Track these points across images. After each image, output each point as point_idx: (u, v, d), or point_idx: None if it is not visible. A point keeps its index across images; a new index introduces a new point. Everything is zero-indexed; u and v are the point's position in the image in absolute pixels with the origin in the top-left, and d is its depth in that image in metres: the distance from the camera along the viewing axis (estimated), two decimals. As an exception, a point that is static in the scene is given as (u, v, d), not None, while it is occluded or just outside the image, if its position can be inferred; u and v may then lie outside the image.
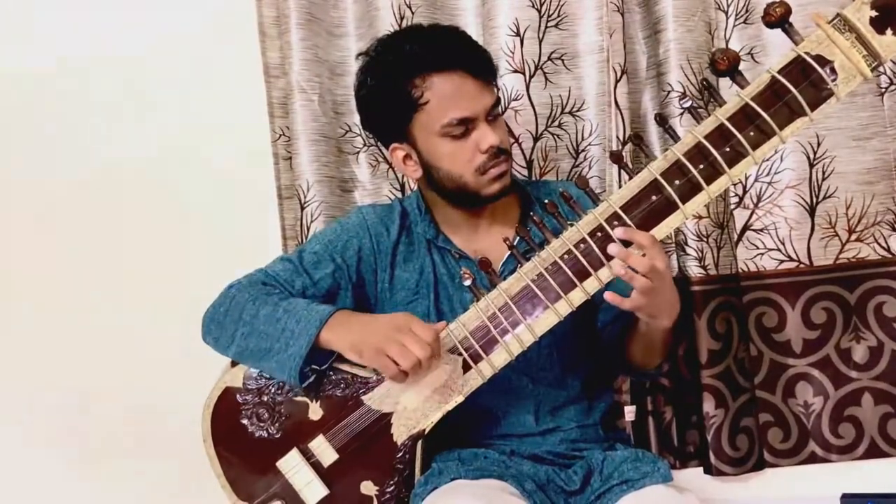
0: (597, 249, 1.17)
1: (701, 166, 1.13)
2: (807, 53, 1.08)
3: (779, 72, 1.09)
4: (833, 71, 1.07)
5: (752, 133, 1.10)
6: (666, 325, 1.24)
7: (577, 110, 1.72)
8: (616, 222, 1.16)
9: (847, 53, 1.07)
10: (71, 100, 1.82)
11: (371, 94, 1.35)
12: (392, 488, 1.29)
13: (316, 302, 1.30)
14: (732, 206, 1.70)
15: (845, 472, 1.67)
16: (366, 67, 1.35)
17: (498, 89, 1.36)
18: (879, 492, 1.53)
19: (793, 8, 1.08)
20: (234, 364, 1.35)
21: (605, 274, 1.17)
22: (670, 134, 1.17)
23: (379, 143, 1.72)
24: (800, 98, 1.08)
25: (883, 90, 1.67)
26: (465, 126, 1.29)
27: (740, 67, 1.11)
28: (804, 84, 1.08)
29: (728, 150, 1.11)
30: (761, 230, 1.70)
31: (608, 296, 1.16)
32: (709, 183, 1.13)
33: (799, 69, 1.08)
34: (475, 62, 1.30)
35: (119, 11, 1.80)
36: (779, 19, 1.07)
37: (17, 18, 1.82)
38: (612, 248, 1.15)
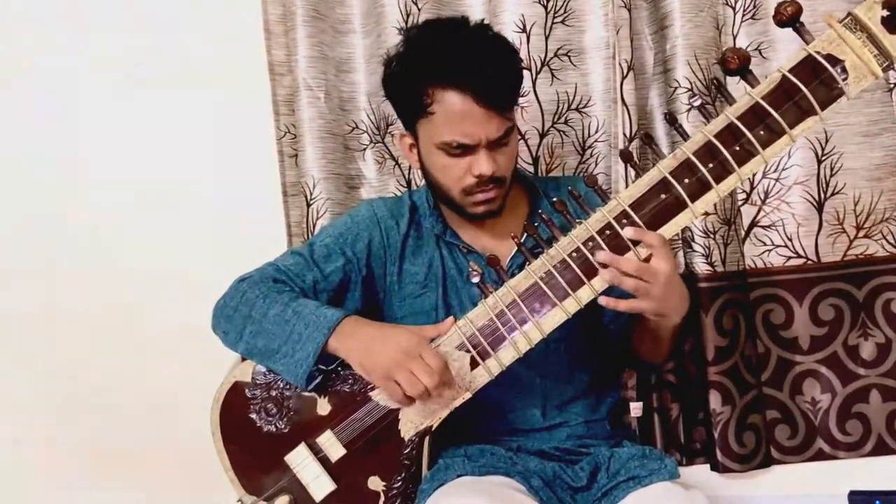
0: (606, 247, 1.17)
1: (710, 165, 1.12)
2: (818, 52, 1.07)
3: (789, 71, 1.09)
4: (844, 70, 1.07)
5: (762, 132, 1.10)
6: (674, 322, 1.25)
7: (584, 107, 1.71)
8: (625, 220, 1.16)
9: (858, 53, 1.06)
10: (74, 97, 1.82)
11: (392, 81, 1.34)
12: (399, 484, 1.29)
13: (325, 304, 1.31)
14: (740, 203, 1.70)
15: (853, 470, 1.67)
16: (399, 50, 1.33)
17: (510, 121, 1.29)
18: (887, 489, 1.53)
19: (803, 6, 1.08)
20: (243, 359, 1.35)
21: (613, 272, 1.17)
22: (680, 132, 1.16)
23: (384, 140, 1.75)
24: (810, 97, 1.07)
25: (892, 86, 1.66)
26: (463, 148, 1.28)
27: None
28: (815, 83, 1.07)
29: (738, 148, 1.11)
30: (769, 227, 1.70)
31: (602, 299, 1.16)
32: (718, 182, 1.13)
33: (810, 68, 1.08)
34: (490, 91, 1.24)
35: (123, 10, 1.80)
36: (790, 18, 1.06)
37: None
38: (601, 256, 1.15)
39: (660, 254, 1.14)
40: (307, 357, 1.23)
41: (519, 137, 1.69)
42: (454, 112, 1.25)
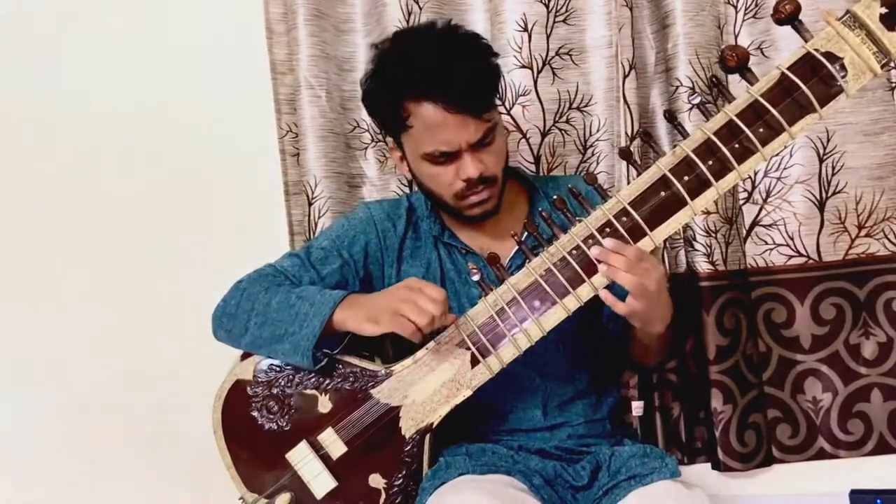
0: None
1: (710, 162, 1.13)
2: (816, 50, 1.08)
3: (788, 68, 1.09)
4: (843, 67, 1.07)
5: (761, 129, 1.10)
6: (658, 330, 1.26)
7: (585, 106, 1.71)
8: (625, 217, 1.16)
9: (857, 50, 1.07)
10: (73, 97, 1.83)
11: (369, 99, 1.36)
12: (400, 481, 1.29)
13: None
14: (741, 202, 1.70)
15: (854, 469, 1.67)
16: (371, 69, 1.34)
17: (489, 121, 1.28)
18: (888, 488, 1.52)
19: (802, 4, 1.08)
20: (244, 357, 1.36)
21: (613, 270, 1.18)
22: (679, 130, 1.17)
23: (385, 139, 1.73)
24: (809, 94, 1.08)
25: (893, 85, 1.66)
26: (447, 156, 1.28)
27: (750, 62, 1.11)
28: (813, 80, 1.08)
29: (737, 146, 1.11)
30: (770, 226, 1.70)
31: (603, 294, 1.17)
32: (717, 179, 1.13)
33: (808, 66, 1.08)
34: (459, 98, 1.24)
35: (124, 9, 1.81)
36: (788, 16, 1.06)
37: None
38: (594, 251, 1.16)
39: (644, 267, 1.16)
40: (314, 329, 1.24)
41: (519, 136, 1.70)
42: (430, 123, 1.26)
